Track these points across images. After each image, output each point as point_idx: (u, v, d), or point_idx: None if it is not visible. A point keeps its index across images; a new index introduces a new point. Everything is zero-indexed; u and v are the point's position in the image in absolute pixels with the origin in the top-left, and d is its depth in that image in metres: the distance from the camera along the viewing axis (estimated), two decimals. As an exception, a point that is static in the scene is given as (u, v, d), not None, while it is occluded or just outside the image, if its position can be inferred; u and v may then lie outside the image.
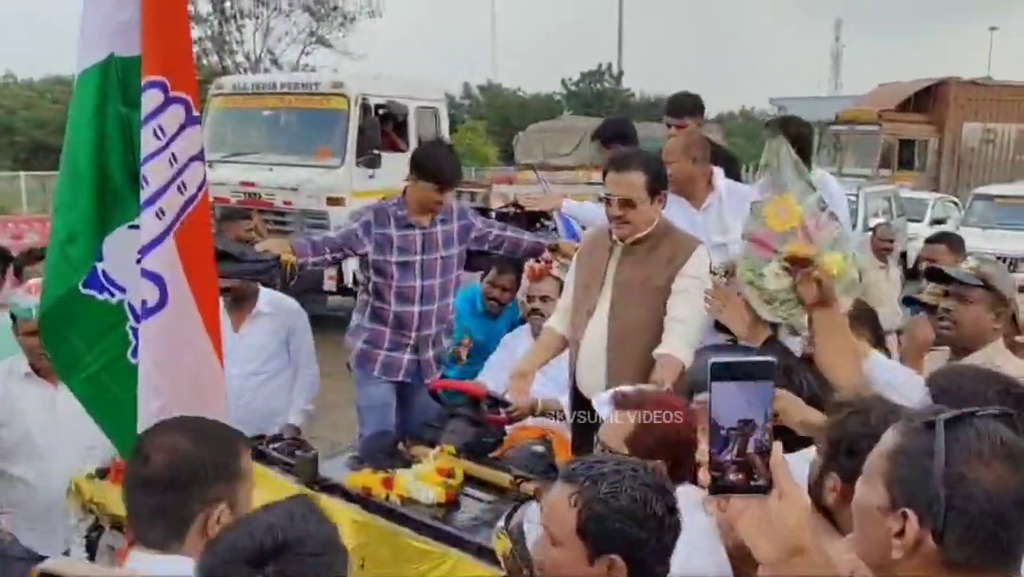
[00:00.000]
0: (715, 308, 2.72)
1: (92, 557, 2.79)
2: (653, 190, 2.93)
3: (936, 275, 2.95)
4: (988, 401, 1.85)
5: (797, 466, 1.90)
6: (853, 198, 12.30)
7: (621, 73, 41.31)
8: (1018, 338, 2.89)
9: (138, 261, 2.25)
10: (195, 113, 2.27)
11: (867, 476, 1.21)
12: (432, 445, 3.19)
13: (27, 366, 3.06)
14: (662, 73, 71.65)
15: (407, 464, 2.94)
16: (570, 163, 13.38)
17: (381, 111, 9.90)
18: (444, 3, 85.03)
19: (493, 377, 3.97)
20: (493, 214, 12.12)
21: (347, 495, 2.74)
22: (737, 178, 4.24)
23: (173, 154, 2.17)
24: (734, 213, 3.67)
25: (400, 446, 3.32)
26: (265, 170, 9.71)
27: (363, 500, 2.71)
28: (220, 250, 2.91)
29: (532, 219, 8.46)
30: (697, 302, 2.87)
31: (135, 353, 2.37)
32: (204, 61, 29.77)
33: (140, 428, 2.16)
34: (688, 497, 1.73)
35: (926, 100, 20.82)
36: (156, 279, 2.18)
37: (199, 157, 2.31)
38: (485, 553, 2.34)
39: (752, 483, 1.08)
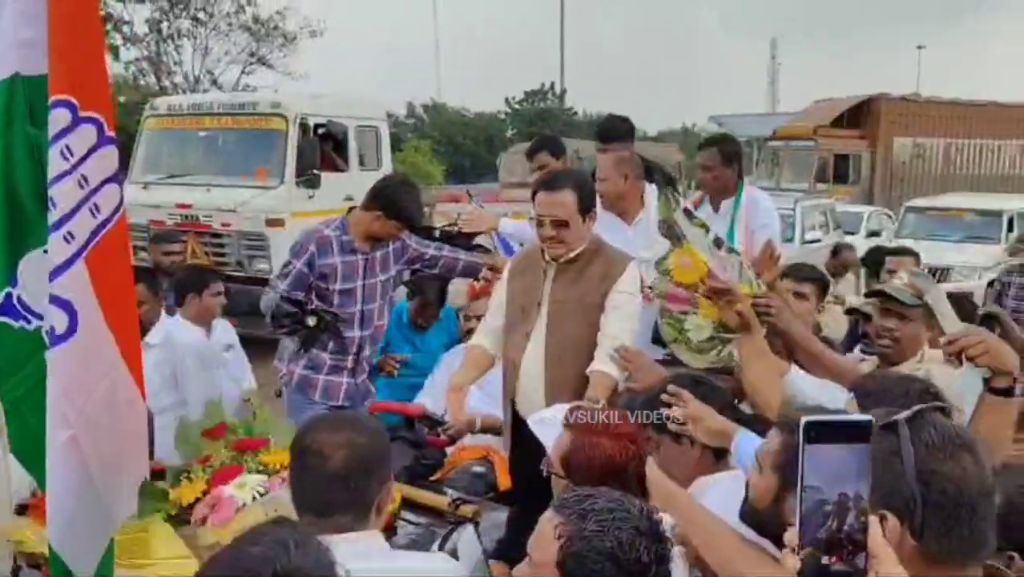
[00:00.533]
0: (629, 376, 2.72)
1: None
2: (584, 208, 2.94)
3: (878, 294, 2.97)
4: (912, 400, 1.88)
5: (720, 490, 1.89)
6: (790, 212, 12.57)
7: (564, 92, 41.66)
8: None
9: None
10: (109, 133, 2.19)
11: None
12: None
13: None
14: (605, 91, 72.64)
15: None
16: None
17: (320, 131, 9.81)
18: (387, 23, 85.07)
19: (432, 397, 3.93)
20: (436, 233, 12.17)
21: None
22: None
23: (83, 176, 2.08)
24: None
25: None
26: (202, 191, 9.51)
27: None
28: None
29: (474, 237, 8.43)
30: (629, 317, 2.89)
31: None
32: (142, 81, 29.26)
33: (48, 460, 2.06)
34: None
35: (859, 116, 21.45)
36: (65, 305, 2.08)
37: (114, 179, 2.22)
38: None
39: (849, 566, 0.95)
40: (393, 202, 3.66)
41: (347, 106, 10.50)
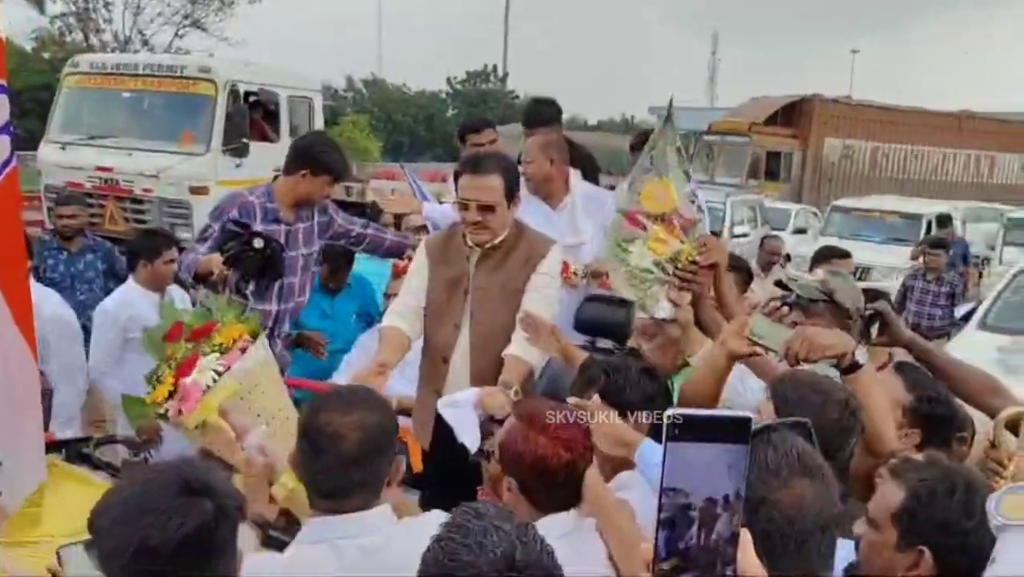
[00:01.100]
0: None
1: None
2: (510, 194, 2.84)
3: (783, 287, 3.00)
4: (828, 412, 1.88)
5: (639, 496, 1.86)
6: (720, 206, 12.77)
7: (506, 74, 41.69)
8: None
9: None
10: (1, 81, 2.05)
11: None
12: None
13: None
14: (546, 76, 72.40)
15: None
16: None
17: (251, 99, 9.54)
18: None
19: (348, 376, 3.84)
20: (369, 208, 11.97)
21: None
22: (595, 179, 4.26)
23: None
24: (588, 215, 3.68)
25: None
26: (124, 155, 9.17)
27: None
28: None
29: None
30: (548, 301, 2.84)
31: None
32: (68, 38, 28.07)
33: None
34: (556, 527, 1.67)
35: (792, 115, 21.86)
36: None
37: (5, 129, 2.09)
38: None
39: None
40: (315, 158, 3.57)
41: (281, 75, 10.25)
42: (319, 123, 10.64)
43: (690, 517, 0.83)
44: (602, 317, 3.51)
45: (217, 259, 3.31)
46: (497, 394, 2.50)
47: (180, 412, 2.06)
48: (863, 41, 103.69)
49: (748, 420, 0.85)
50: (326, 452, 1.65)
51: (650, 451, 1.90)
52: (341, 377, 3.93)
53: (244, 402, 2.15)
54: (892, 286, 9.20)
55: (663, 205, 2.67)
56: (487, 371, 2.80)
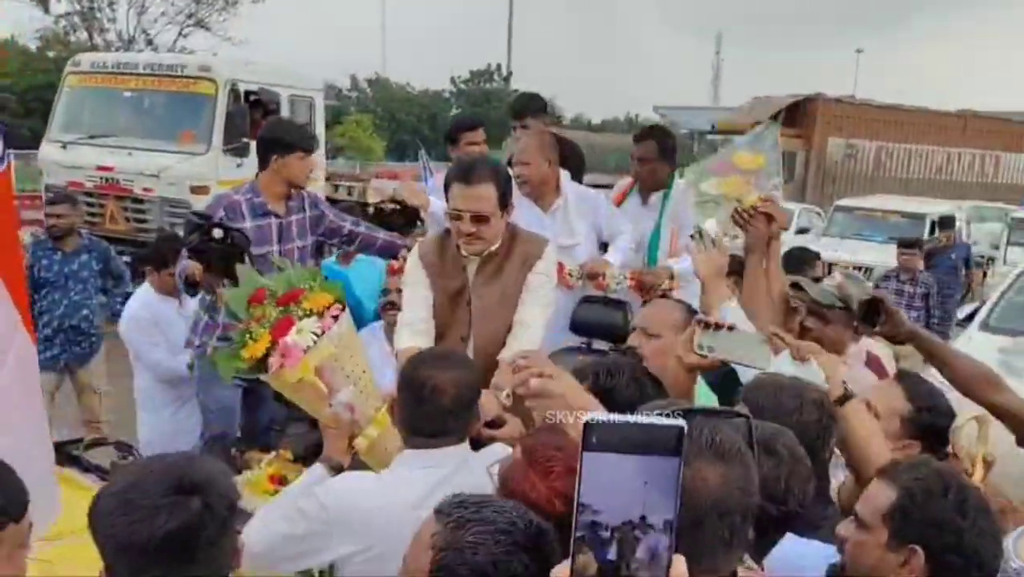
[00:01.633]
0: None
1: None
2: (503, 201, 2.74)
3: (795, 287, 2.96)
4: (803, 413, 1.86)
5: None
6: (723, 206, 12.72)
7: (510, 74, 41.61)
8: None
9: None
10: None
11: None
12: (270, 450, 3.01)
13: None
14: (550, 76, 72.37)
15: (238, 471, 2.77)
16: None
17: (252, 98, 9.53)
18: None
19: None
20: (371, 209, 11.95)
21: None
22: (580, 178, 4.22)
23: None
24: (580, 216, 3.64)
25: (233, 452, 3.13)
26: (124, 154, 9.17)
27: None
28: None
29: (414, 215, 8.28)
30: (544, 302, 2.80)
31: None
32: (72, 37, 28.11)
33: None
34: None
35: (796, 114, 21.76)
36: None
37: None
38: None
39: None
40: (278, 140, 3.63)
41: (282, 75, 10.24)
42: (321, 122, 10.64)
43: (601, 537, 0.74)
44: (598, 318, 3.49)
45: (198, 264, 3.28)
46: (489, 397, 2.46)
47: (282, 366, 2.21)
48: (867, 41, 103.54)
49: (679, 430, 0.75)
50: (427, 402, 1.98)
51: None
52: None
53: (337, 364, 2.30)
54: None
55: (750, 164, 2.98)
56: (491, 377, 2.75)
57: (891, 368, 2.86)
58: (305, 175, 3.67)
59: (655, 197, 4.02)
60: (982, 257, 12.44)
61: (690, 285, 4.08)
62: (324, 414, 2.25)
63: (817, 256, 5.06)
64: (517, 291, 2.79)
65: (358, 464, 2.24)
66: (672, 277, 3.78)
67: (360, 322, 4.08)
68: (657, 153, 3.97)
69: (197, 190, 8.71)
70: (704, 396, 2.50)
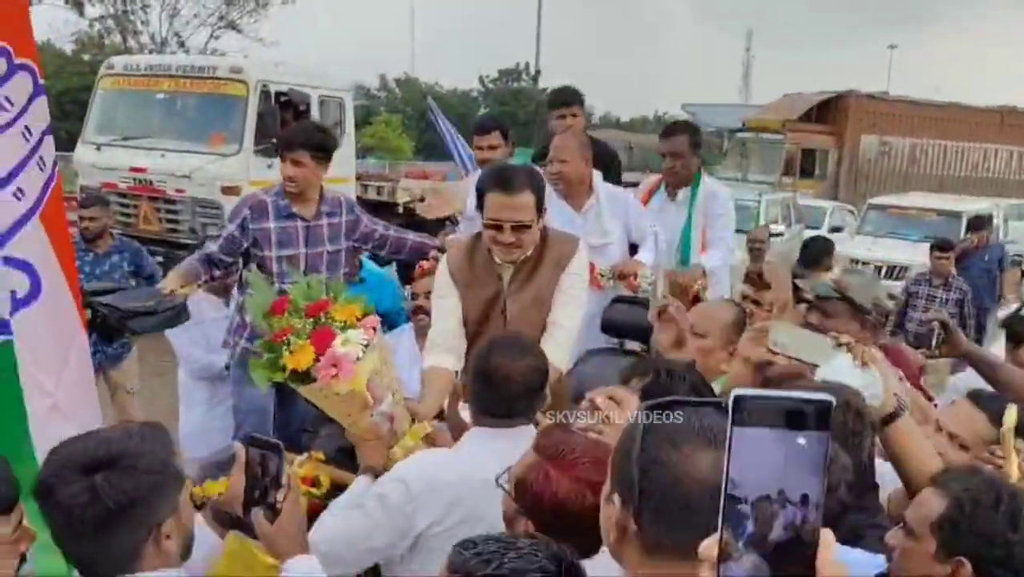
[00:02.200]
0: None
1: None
2: (539, 206, 2.71)
3: (795, 287, 2.95)
4: (834, 420, 1.81)
5: None
6: (754, 205, 12.60)
7: (539, 72, 41.54)
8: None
9: None
10: (41, 81, 2.05)
11: None
12: (302, 451, 3.01)
13: None
14: (579, 74, 71.95)
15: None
16: None
17: (282, 99, 9.57)
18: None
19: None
20: (400, 208, 11.98)
21: (197, 508, 2.55)
22: (618, 177, 4.20)
23: (27, 127, 1.94)
24: (613, 216, 3.62)
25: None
26: (157, 156, 9.25)
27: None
28: (133, 309, 2.83)
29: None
30: (578, 303, 2.79)
31: None
32: (107, 40, 28.52)
33: (32, 428, 1.94)
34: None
35: (827, 111, 21.54)
36: (24, 266, 1.94)
37: (49, 130, 2.09)
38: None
39: None
40: (321, 142, 3.63)
41: (311, 75, 10.28)
42: (350, 123, 10.66)
43: (740, 512, 0.74)
44: (629, 319, 3.46)
45: (174, 279, 3.42)
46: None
47: (336, 377, 2.21)
48: (901, 36, 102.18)
49: (828, 405, 0.74)
50: (498, 388, 2.10)
51: None
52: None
53: (378, 376, 2.30)
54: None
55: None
56: None
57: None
58: (287, 177, 3.60)
59: (683, 193, 4.01)
60: (1020, 256, 12.18)
61: (722, 282, 4.06)
62: (362, 425, 2.27)
63: (831, 245, 5.02)
64: (551, 292, 2.78)
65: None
66: (704, 275, 3.76)
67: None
68: (689, 147, 4.00)
69: (228, 191, 8.77)
70: None
